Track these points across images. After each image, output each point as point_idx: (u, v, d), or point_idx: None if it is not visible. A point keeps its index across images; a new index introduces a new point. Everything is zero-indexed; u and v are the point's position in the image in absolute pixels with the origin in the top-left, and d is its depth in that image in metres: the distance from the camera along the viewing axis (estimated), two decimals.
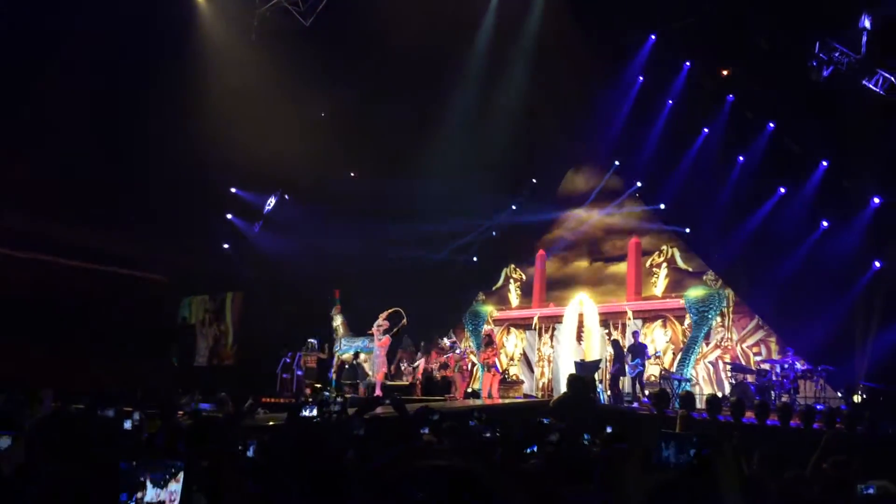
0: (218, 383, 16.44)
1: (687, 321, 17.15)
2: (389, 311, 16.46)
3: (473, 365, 19.29)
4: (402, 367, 18.43)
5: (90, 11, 13.35)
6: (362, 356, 17.16)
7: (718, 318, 16.82)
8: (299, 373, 17.58)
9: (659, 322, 17.59)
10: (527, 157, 19.04)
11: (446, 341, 19.39)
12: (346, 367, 17.40)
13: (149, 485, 3.12)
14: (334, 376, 17.17)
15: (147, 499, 3.16)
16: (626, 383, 16.28)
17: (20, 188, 14.58)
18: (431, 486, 1.37)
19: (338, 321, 17.75)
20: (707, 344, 16.86)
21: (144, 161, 15.90)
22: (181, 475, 3.19)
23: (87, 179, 15.56)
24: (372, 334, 16.29)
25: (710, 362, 16.77)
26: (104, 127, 15.22)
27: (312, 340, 17.87)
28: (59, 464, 4.14)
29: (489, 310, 20.93)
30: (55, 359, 15.07)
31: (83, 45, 13.78)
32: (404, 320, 16.70)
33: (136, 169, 16.01)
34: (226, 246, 19.63)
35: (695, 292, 17.00)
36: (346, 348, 17.31)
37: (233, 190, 18.99)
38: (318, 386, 16.91)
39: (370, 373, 16.74)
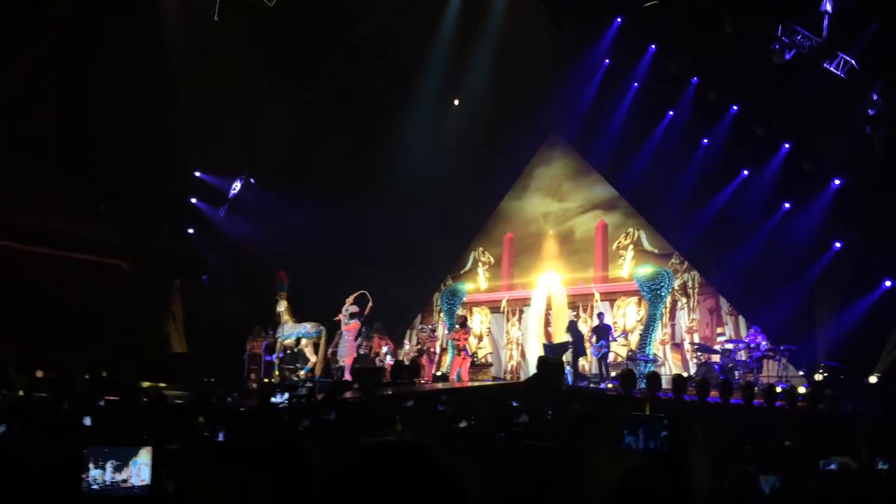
0: (186, 369, 16.32)
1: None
2: (356, 294, 16.42)
3: (443, 350, 19.32)
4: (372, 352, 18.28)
5: None
6: (304, 342, 17.00)
7: (683, 299, 17.05)
8: (245, 356, 17.54)
9: (634, 299, 17.74)
10: (492, 142, 19.00)
11: (425, 328, 19.43)
12: (288, 352, 17.27)
13: (114, 468, 3.09)
14: (277, 362, 17.07)
15: (113, 482, 3.13)
16: (592, 364, 16.47)
17: None
18: (380, 459, 1.37)
19: (282, 307, 17.43)
20: (669, 324, 17.07)
21: (108, 145, 15.62)
22: (149, 459, 3.16)
23: (48, 164, 15.27)
24: (339, 320, 16.27)
25: (675, 343, 17.01)
26: (66, 111, 14.92)
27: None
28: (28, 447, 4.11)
29: (469, 288, 20.93)
30: (18, 345, 14.82)
31: (45, 27, 13.49)
32: (370, 304, 16.66)
33: (99, 153, 15.73)
34: (190, 230, 19.36)
35: (643, 271, 17.17)
36: (289, 334, 17.13)
37: (197, 174, 18.72)
38: (290, 371, 16.84)
39: (311, 358, 16.72)
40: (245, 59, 15.56)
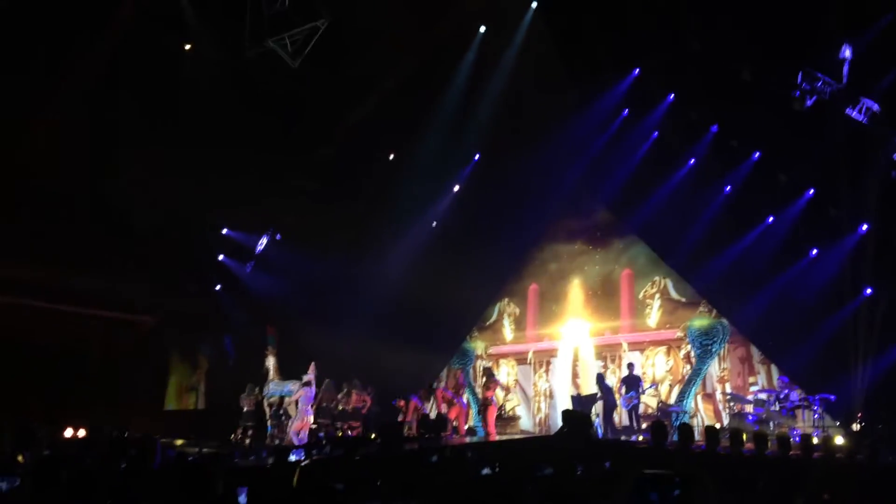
0: (209, 426, 16.29)
1: (683, 351, 17.03)
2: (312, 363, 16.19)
3: (469, 406, 19.04)
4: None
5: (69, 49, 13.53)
6: (286, 400, 16.75)
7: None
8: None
9: (663, 349, 17.44)
10: (513, 195, 18.98)
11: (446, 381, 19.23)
12: (273, 409, 17.08)
13: None
14: (269, 420, 16.89)
15: None
16: (622, 416, 16.14)
17: (6, 234, 14.48)
18: None
19: (270, 363, 17.35)
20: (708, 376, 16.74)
21: (135, 203, 15.90)
22: None
23: (76, 222, 15.53)
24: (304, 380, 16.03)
25: (707, 393, 16.65)
26: (93, 169, 15.24)
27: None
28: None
29: (477, 346, 20.76)
30: (46, 402, 14.92)
31: (65, 85, 13.87)
32: (313, 371, 16.31)
33: (127, 211, 16.00)
34: (217, 287, 19.52)
35: (698, 322, 16.83)
36: (273, 392, 16.99)
37: (224, 231, 18.98)
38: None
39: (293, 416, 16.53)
40: (269, 118, 15.87)
